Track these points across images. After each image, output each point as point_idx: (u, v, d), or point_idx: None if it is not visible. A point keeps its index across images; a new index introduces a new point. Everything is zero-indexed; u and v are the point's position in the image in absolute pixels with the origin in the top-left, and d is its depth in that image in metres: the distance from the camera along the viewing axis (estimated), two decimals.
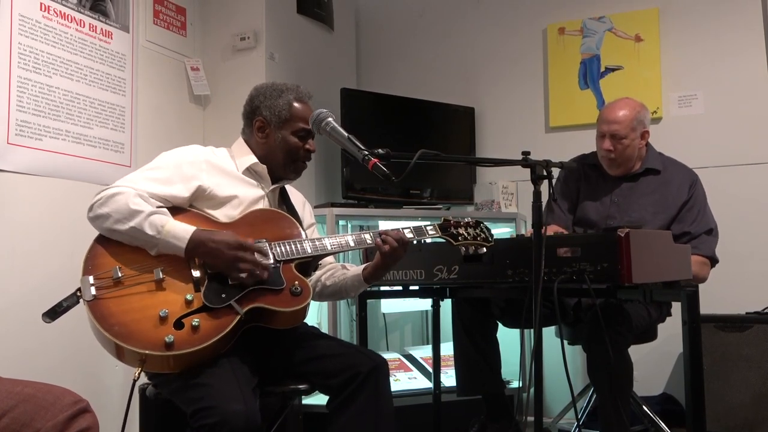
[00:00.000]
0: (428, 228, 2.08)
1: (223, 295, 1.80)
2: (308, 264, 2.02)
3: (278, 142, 2.08)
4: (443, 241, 2.11)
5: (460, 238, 2.09)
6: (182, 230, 1.82)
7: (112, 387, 2.70)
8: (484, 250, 2.14)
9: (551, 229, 2.54)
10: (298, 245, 1.94)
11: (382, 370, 1.95)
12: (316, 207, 3.32)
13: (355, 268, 2.14)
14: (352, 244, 2.01)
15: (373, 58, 4.28)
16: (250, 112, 2.13)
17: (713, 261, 2.60)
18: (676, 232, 2.57)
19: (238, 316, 1.78)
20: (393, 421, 1.95)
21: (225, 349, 1.79)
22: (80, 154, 2.68)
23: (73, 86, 2.66)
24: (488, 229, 2.17)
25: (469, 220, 2.16)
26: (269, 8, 3.36)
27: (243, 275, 1.80)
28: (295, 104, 2.09)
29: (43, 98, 2.53)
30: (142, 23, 3.06)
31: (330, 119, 1.95)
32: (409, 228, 2.06)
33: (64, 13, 2.65)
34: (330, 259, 2.24)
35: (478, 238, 2.11)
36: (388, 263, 2.04)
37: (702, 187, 2.71)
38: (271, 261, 1.89)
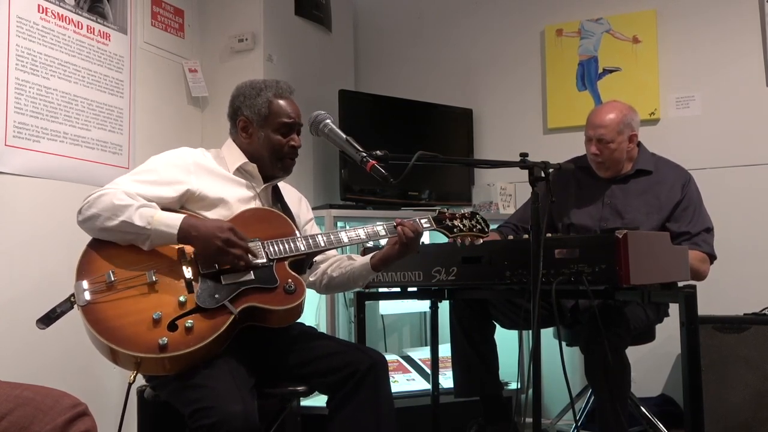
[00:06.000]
0: (423, 221, 2.08)
1: (217, 296, 1.80)
2: (302, 262, 2.03)
3: (262, 140, 2.07)
4: (446, 239, 2.11)
5: (455, 229, 2.10)
6: (172, 218, 1.83)
7: (110, 389, 2.70)
8: (481, 241, 2.14)
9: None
10: (291, 243, 1.95)
11: (381, 366, 1.96)
12: (314, 209, 3.29)
13: (362, 258, 2.14)
14: (345, 240, 2.02)
15: (371, 60, 4.28)
16: (232, 113, 2.13)
17: (712, 258, 2.61)
18: (673, 230, 2.58)
19: (232, 316, 1.78)
20: (393, 417, 1.95)
21: (220, 349, 1.79)
22: (78, 156, 2.68)
23: (70, 88, 2.66)
24: (484, 220, 2.16)
25: (465, 211, 2.16)
26: (267, 10, 3.36)
27: (236, 256, 1.80)
28: (275, 101, 2.08)
29: (41, 100, 2.53)
30: (140, 25, 3.06)
31: (328, 121, 1.95)
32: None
33: (62, 15, 2.64)
34: (333, 251, 2.23)
35: (474, 229, 2.12)
36: (402, 252, 2.04)
37: (696, 186, 2.71)
38: (265, 260, 1.89)
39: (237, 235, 1.83)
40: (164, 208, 1.91)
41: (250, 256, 1.84)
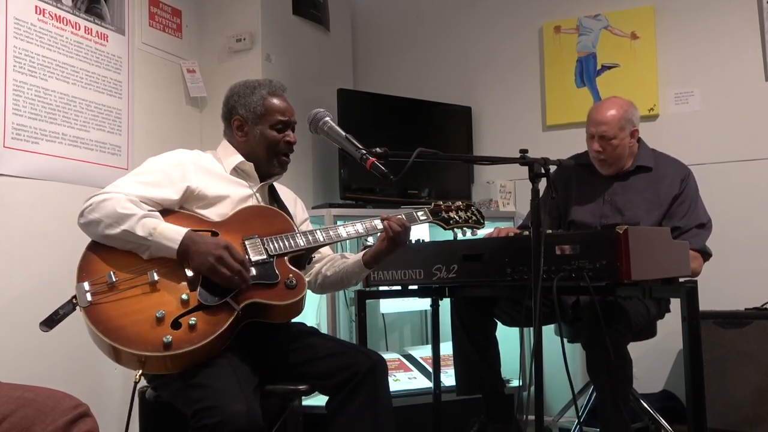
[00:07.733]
0: (419, 213, 2.10)
1: (219, 293, 1.80)
2: (302, 257, 2.03)
3: (258, 138, 2.09)
4: (445, 238, 2.11)
5: (451, 221, 2.13)
6: (174, 232, 1.82)
7: (112, 390, 2.70)
8: (478, 232, 2.17)
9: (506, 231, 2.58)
10: (291, 239, 1.96)
11: (380, 368, 1.96)
12: (314, 208, 3.32)
13: (355, 255, 2.15)
14: (344, 235, 2.03)
15: (369, 59, 4.28)
16: (227, 113, 2.15)
17: (704, 254, 2.58)
18: (666, 226, 2.57)
19: (235, 312, 1.78)
20: (392, 419, 1.95)
21: (223, 347, 1.79)
22: (77, 157, 2.68)
23: (69, 89, 2.66)
24: (479, 212, 2.20)
25: (460, 203, 2.19)
26: (265, 9, 3.35)
27: (225, 276, 1.79)
28: (269, 98, 2.10)
29: (39, 101, 2.53)
30: (138, 25, 3.06)
31: (327, 119, 1.95)
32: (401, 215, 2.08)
33: (60, 16, 2.64)
34: (327, 250, 2.25)
35: (470, 221, 2.16)
36: (391, 247, 2.05)
37: (694, 181, 2.70)
38: (265, 256, 1.90)
39: (232, 254, 1.81)
40: (165, 209, 1.92)
41: (237, 278, 1.81)
